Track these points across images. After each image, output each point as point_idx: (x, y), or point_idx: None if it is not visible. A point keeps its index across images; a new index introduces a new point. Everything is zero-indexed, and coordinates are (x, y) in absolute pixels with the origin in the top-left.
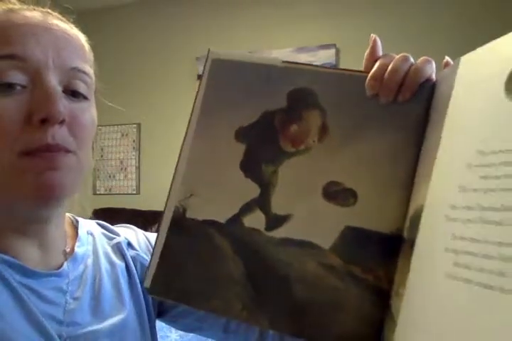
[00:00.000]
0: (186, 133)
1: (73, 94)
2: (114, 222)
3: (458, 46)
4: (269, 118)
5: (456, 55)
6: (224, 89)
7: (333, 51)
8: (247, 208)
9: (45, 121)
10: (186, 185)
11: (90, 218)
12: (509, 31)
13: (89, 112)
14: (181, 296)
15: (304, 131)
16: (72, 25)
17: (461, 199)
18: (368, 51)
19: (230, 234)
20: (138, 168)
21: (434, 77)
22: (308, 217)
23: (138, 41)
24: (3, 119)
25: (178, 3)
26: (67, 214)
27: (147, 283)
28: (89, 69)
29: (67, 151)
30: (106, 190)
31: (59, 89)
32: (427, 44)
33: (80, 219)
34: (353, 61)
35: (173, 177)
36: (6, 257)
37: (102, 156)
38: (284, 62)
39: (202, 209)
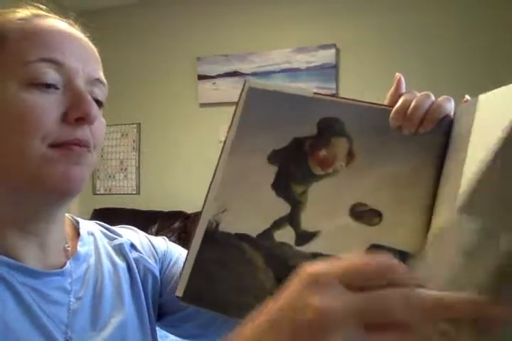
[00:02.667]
0: (221, 153)
1: (95, 102)
2: (114, 221)
3: (458, 45)
4: (299, 143)
5: (457, 55)
6: (258, 116)
7: (333, 51)
8: (277, 224)
9: (80, 120)
10: (220, 201)
11: (91, 218)
12: None
13: (102, 119)
14: (214, 304)
15: (332, 156)
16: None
17: None
18: (392, 88)
19: (261, 247)
20: (138, 168)
21: (452, 113)
22: (335, 234)
23: (138, 41)
24: (40, 114)
25: (178, 3)
26: (67, 215)
27: (179, 292)
28: (105, 80)
29: (88, 150)
30: (106, 190)
31: None
32: (426, 43)
33: (79, 219)
34: (353, 61)
35: (207, 193)
36: (6, 259)
37: (102, 156)
38: (315, 93)
39: (234, 224)
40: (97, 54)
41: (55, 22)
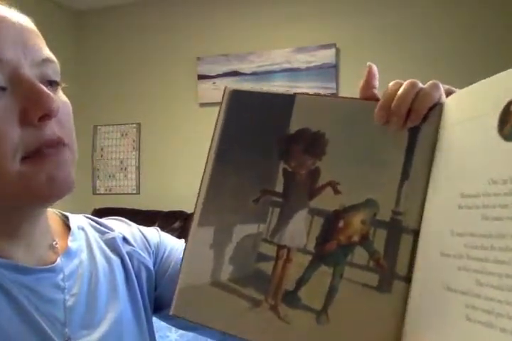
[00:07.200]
0: (207, 161)
1: (49, 83)
2: None
3: (458, 45)
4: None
5: (457, 55)
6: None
7: (333, 51)
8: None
9: (44, 117)
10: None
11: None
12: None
13: (64, 98)
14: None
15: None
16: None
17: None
18: (362, 80)
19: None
20: (138, 167)
21: (442, 100)
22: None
23: (138, 41)
24: (0, 128)
25: (178, 2)
26: (54, 210)
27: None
28: (53, 56)
29: (64, 144)
30: (106, 190)
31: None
32: (426, 43)
33: (68, 214)
34: (353, 61)
35: (198, 196)
36: None
37: (102, 156)
38: (295, 93)
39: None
40: (34, 26)
41: None
